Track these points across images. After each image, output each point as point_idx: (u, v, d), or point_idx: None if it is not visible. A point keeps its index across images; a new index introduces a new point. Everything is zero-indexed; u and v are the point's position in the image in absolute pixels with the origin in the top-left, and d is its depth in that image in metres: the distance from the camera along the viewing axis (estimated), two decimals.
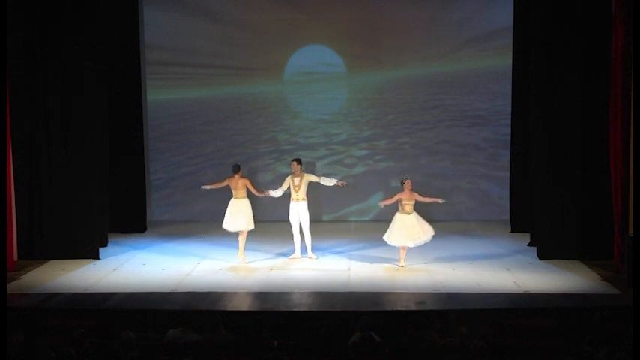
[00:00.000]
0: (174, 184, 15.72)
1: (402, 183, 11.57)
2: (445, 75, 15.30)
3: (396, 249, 11.67)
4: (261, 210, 14.41)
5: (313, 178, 12.16)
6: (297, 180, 12.04)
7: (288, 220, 12.16)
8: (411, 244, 11.46)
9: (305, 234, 12.14)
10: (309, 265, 11.88)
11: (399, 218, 11.50)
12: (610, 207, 11.31)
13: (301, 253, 12.22)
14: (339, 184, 12.29)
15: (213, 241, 13.44)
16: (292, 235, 12.19)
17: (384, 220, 15.17)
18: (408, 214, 11.46)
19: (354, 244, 13.32)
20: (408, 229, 11.42)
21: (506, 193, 14.72)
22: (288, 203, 12.13)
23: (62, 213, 12.28)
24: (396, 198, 11.55)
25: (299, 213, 12.04)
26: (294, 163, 12.14)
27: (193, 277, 11.24)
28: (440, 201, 11.86)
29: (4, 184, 11.15)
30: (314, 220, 15.26)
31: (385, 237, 11.57)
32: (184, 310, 9.42)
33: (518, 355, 7.51)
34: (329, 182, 12.23)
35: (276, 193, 12.18)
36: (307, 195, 12.09)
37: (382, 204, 11.78)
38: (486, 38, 15.02)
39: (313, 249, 12.31)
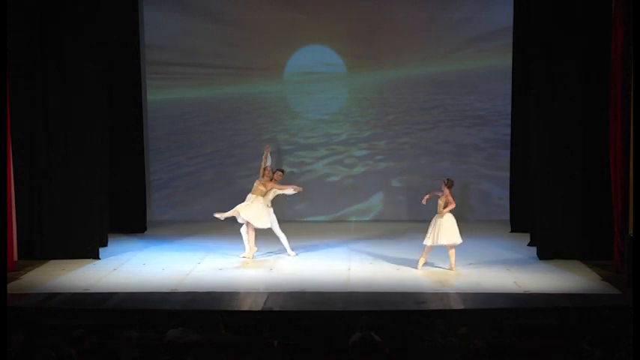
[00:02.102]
0: (174, 184, 15.72)
1: (451, 184, 11.33)
2: (445, 75, 15.30)
3: (398, 250, 11.67)
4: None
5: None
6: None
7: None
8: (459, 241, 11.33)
9: (283, 240, 12.39)
10: (310, 265, 11.88)
11: (451, 218, 11.35)
12: (610, 207, 11.31)
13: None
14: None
15: (213, 241, 13.46)
16: (287, 236, 12.38)
17: (384, 220, 15.29)
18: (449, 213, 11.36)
19: (354, 244, 13.32)
20: (455, 227, 11.33)
21: (506, 193, 14.73)
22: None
23: (62, 213, 12.28)
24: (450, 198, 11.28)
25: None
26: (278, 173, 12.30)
27: (193, 277, 11.24)
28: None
29: (4, 184, 11.15)
30: (313, 221, 15.42)
31: (455, 239, 11.31)
32: (184, 310, 9.41)
33: (518, 355, 7.51)
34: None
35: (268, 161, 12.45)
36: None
37: (444, 209, 11.32)
38: (486, 38, 15.02)
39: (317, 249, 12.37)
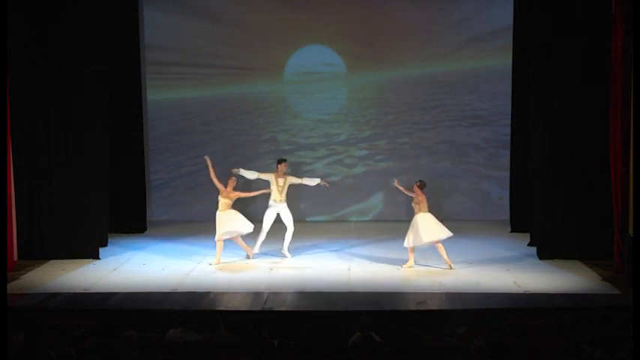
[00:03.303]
0: (174, 184, 15.72)
1: (423, 185, 11.49)
2: (445, 75, 15.30)
3: (398, 250, 11.67)
4: (261, 210, 14.47)
5: (296, 180, 12.17)
6: (281, 181, 12.07)
7: (300, 221, 12.23)
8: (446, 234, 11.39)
9: (289, 234, 12.23)
10: (309, 265, 11.88)
11: (422, 217, 11.41)
12: (610, 207, 11.31)
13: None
14: (322, 183, 12.25)
15: (213, 241, 13.40)
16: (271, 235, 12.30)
17: (384, 220, 15.29)
18: (426, 211, 11.43)
19: (354, 244, 13.32)
20: (435, 223, 11.41)
21: (506, 193, 14.72)
22: (291, 203, 12.16)
23: (62, 213, 12.28)
24: (422, 197, 11.44)
25: (281, 214, 12.10)
26: (284, 164, 12.13)
27: (193, 277, 11.24)
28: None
29: (4, 184, 11.15)
30: (313, 221, 15.42)
31: (436, 236, 11.39)
32: (184, 310, 9.41)
33: (518, 355, 7.50)
34: (312, 182, 12.22)
35: (251, 175, 12.18)
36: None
37: (400, 187, 11.76)
38: (486, 38, 15.02)
39: (316, 249, 12.36)
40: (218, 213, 11.90)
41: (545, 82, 11.83)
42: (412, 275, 11.22)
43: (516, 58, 13.93)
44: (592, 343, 7.44)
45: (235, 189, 11.94)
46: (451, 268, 11.36)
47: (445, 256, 11.39)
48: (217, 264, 11.88)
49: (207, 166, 12.02)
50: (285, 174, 12.17)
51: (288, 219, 12.17)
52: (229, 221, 11.83)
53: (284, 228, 12.29)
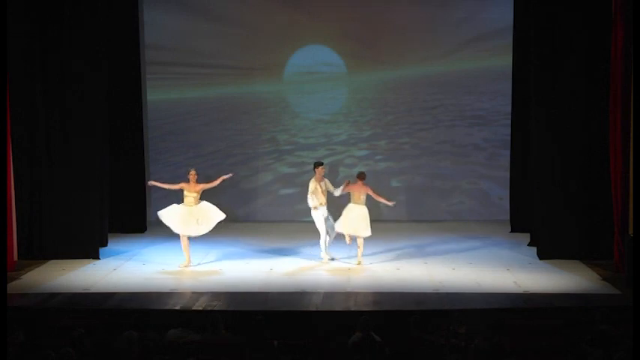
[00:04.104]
0: None
1: (362, 177, 11.75)
2: (445, 75, 15.30)
3: (398, 250, 11.68)
4: (261, 210, 14.47)
5: (330, 187, 12.09)
6: (323, 184, 11.99)
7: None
8: (347, 231, 11.66)
9: (324, 239, 12.19)
10: (309, 265, 11.88)
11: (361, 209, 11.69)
12: (610, 207, 11.31)
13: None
14: (338, 193, 12.18)
15: (212, 241, 13.41)
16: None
17: (385, 220, 15.26)
18: (357, 204, 11.66)
19: (354, 244, 13.29)
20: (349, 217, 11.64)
21: (506, 193, 14.72)
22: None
23: (62, 213, 12.28)
24: (348, 188, 11.70)
25: (323, 216, 12.02)
26: (322, 167, 12.00)
27: (193, 277, 11.24)
28: (390, 203, 11.81)
29: (4, 184, 11.15)
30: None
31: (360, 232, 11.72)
32: (184, 310, 9.43)
33: (518, 355, 7.51)
34: (335, 192, 12.11)
35: (314, 201, 11.98)
36: None
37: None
38: (486, 38, 15.02)
39: (316, 249, 12.40)
40: (183, 207, 11.79)
41: (545, 82, 11.83)
42: (412, 275, 11.22)
43: (516, 58, 13.92)
44: (592, 343, 7.45)
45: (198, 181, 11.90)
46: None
47: (360, 252, 11.68)
48: (186, 265, 11.82)
49: (158, 187, 12.21)
50: (323, 177, 12.07)
51: (321, 223, 12.08)
52: (185, 222, 11.71)
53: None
